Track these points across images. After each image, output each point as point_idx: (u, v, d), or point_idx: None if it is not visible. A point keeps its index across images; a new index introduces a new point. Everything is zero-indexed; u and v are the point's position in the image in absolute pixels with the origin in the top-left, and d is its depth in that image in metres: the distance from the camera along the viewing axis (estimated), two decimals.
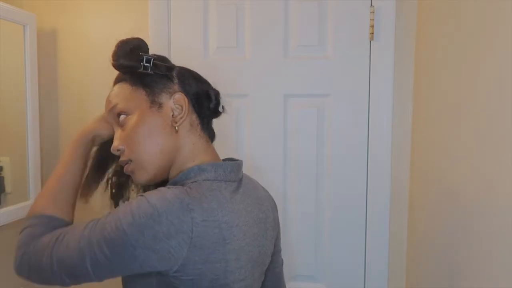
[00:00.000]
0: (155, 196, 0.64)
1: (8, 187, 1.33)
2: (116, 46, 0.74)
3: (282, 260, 0.95)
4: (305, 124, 1.39)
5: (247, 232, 0.73)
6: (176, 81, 0.77)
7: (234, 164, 0.77)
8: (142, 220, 0.62)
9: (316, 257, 1.41)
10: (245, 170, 1.26)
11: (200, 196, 0.67)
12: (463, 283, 0.92)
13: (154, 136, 0.74)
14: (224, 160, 0.83)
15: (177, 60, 1.45)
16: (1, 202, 1.30)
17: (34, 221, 0.74)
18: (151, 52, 0.78)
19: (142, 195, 0.65)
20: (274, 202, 0.90)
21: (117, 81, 0.79)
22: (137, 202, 0.64)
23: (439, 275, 1.07)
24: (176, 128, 0.74)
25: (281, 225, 1.38)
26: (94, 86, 1.46)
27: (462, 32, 0.96)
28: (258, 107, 1.39)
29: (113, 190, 1.45)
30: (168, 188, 0.67)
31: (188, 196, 0.65)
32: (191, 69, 0.84)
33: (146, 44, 0.77)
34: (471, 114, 0.90)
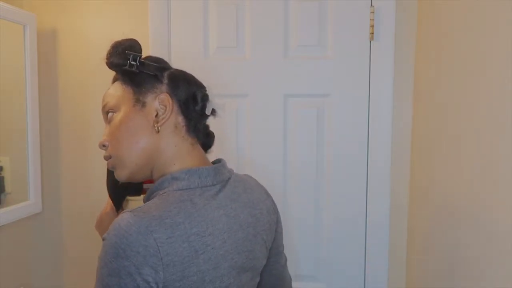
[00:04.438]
0: (112, 232, 0.63)
1: (8, 187, 1.33)
2: (110, 46, 0.77)
3: (285, 259, 0.94)
4: (305, 124, 1.39)
5: (228, 239, 0.72)
6: (165, 81, 0.77)
7: (210, 168, 0.75)
8: (113, 264, 0.62)
9: (316, 257, 1.41)
10: (245, 170, 1.26)
11: (161, 213, 0.65)
12: (463, 282, 0.92)
13: (133, 134, 0.75)
14: (213, 162, 0.82)
15: (177, 60, 1.46)
16: (1, 202, 1.30)
17: None
18: (152, 54, 0.78)
19: (103, 238, 0.64)
20: (273, 205, 0.88)
21: (113, 81, 0.82)
22: (103, 250, 0.64)
23: (439, 275, 1.07)
24: (156, 128, 0.74)
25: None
26: (94, 86, 1.46)
27: (462, 32, 0.96)
28: (258, 107, 1.39)
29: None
30: (124, 213, 0.65)
31: (145, 218, 0.63)
32: (189, 71, 0.83)
33: (139, 45, 0.78)
34: (471, 114, 0.90)
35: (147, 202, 0.69)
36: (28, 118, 1.38)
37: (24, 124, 1.37)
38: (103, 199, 1.48)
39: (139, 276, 0.61)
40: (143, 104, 0.76)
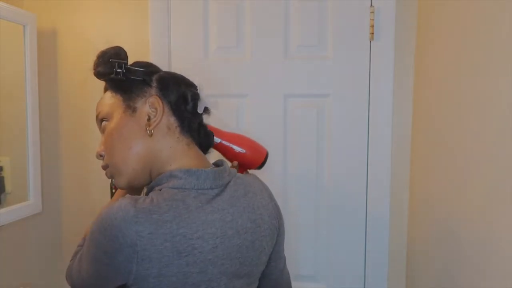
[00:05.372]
0: (106, 209, 0.65)
1: (8, 187, 1.33)
2: (96, 56, 0.78)
3: (284, 261, 0.93)
4: (305, 124, 1.39)
5: (220, 244, 0.70)
6: (154, 85, 0.77)
7: (210, 171, 0.73)
8: (95, 235, 0.65)
9: (316, 257, 1.41)
10: None
11: (151, 207, 0.65)
12: (464, 283, 0.92)
13: (127, 140, 0.75)
14: (214, 162, 0.82)
15: (177, 60, 1.46)
16: (1, 202, 1.30)
17: (80, 242, 0.86)
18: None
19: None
20: (275, 209, 0.85)
21: (104, 90, 0.82)
22: (95, 220, 0.67)
23: (439, 276, 1.07)
24: (148, 131, 0.74)
25: None
26: (94, 86, 1.46)
27: (462, 32, 0.96)
28: (258, 107, 1.39)
29: (113, 191, 1.46)
30: (123, 198, 0.66)
31: (135, 208, 0.64)
32: (189, 70, 0.83)
33: (125, 52, 0.78)
34: (472, 114, 0.90)
35: (145, 196, 0.69)
36: (28, 118, 1.38)
37: (24, 124, 1.37)
38: (103, 199, 1.48)
39: (111, 258, 0.64)
40: (134, 110, 0.75)
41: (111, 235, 0.63)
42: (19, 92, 1.35)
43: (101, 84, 1.52)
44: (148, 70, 0.78)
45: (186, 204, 0.68)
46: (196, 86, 0.82)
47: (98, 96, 1.45)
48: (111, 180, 1.44)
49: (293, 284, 1.42)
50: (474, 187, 0.87)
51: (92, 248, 0.66)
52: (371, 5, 1.32)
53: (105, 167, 0.78)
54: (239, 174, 0.83)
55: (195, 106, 0.79)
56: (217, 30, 1.40)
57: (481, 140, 0.85)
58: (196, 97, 0.79)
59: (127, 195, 0.68)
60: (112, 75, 0.75)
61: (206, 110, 0.82)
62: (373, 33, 1.32)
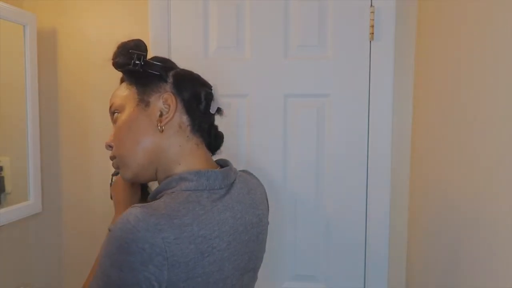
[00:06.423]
0: (119, 225, 0.62)
1: (8, 187, 1.33)
2: (116, 47, 0.77)
3: None
4: (305, 124, 1.39)
5: (232, 241, 0.71)
6: (170, 81, 0.77)
7: (219, 172, 0.74)
8: (116, 256, 0.61)
9: (316, 257, 1.41)
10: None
11: (170, 212, 0.64)
12: (464, 282, 0.92)
13: (136, 133, 0.75)
14: (216, 161, 0.82)
15: (177, 60, 1.46)
16: (1, 202, 1.30)
17: None
18: (153, 54, 0.80)
19: (109, 229, 0.64)
20: (266, 199, 0.89)
21: (120, 82, 0.82)
22: (107, 239, 0.63)
23: (439, 275, 1.07)
24: (159, 128, 0.74)
25: (280, 225, 1.39)
26: (94, 86, 1.46)
27: (462, 32, 0.96)
28: (258, 107, 1.39)
29: None
30: (133, 208, 0.64)
31: (155, 216, 0.62)
32: (194, 71, 0.83)
33: (145, 45, 0.78)
34: (471, 113, 0.90)
35: (156, 200, 0.68)
36: (28, 118, 1.38)
37: (24, 124, 1.37)
38: (104, 199, 1.49)
39: (141, 273, 0.61)
40: (147, 104, 0.75)
41: (137, 248, 0.60)
42: (19, 92, 1.35)
43: (102, 84, 1.52)
44: (166, 66, 0.79)
45: (202, 205, 0.69)
46: (211, 86, 0.82)
47: (99, 96, 1.46)
48: (111, 180, 1.44)
49: (293, 284, 1.43)
50: (474, 187, 0.87)
51: (114, 272, 0.62)
52: (371, 5, 1.32)
53: (112, 158, 0.79)
54: (240, 172, 0.84)
55: (207, 105, 0.79)
56: (217, 30, 1.40)
57: (481, 139, 0.85)
58: (209, 97, 0.79)
59: (134, 205, 0.66)
60: (130, 66, 0.75)
61: (219, 110, 0.82)
62: (373, 33, 1.32)
